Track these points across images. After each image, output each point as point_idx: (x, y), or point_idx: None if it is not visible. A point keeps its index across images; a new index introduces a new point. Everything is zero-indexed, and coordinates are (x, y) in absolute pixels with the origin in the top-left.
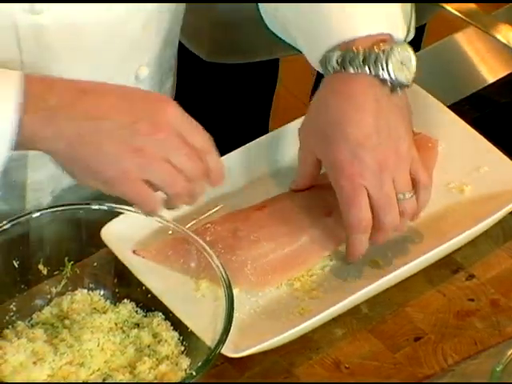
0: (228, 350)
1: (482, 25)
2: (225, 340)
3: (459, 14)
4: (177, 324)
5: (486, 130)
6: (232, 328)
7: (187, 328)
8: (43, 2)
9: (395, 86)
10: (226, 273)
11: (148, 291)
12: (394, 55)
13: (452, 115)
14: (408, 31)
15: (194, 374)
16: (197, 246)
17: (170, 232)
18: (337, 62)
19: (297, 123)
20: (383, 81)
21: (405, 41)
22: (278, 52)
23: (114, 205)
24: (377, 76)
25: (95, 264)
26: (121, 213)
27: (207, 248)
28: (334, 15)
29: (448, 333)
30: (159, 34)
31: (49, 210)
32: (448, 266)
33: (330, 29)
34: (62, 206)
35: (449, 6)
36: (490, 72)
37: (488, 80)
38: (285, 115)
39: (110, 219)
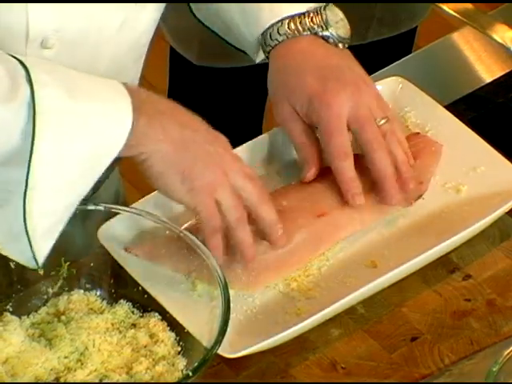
0: (224, 351)
1: (478, 25)
2: (221, 340)
3: (456, 14)
4: (173, 324)
5: (483, 129)
6: (228, 328)
7: (184, 328)
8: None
9: (338, 42)
10: (222, 273)
11: (144, 291)
12: (328, 16)
13: (449, 115)
14: None
15: (191, 374)
16: (192, 246)
17: (167, 232)
18: (278, 33)
19: None
20: (324, 38)
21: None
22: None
23: (110, 205)
24: (320, 36)
25: (92, 264)
26: (117, 213)
27: (204, 248)
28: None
29: (444, 333)
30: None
31: None
32: (444, 266)
33: (271, 7)
34: None
35: (445, 6)
36: (487, 72)
37: (484, 80)
38: None
39: (107, 219)
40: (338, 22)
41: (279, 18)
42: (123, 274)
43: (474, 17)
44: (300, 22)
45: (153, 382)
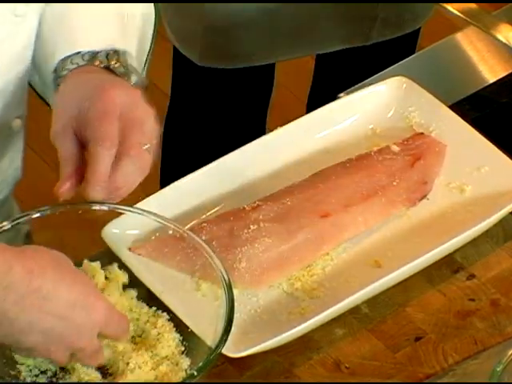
0: (229, 350)
1: (482, 25)
2: (225, 340)
3: (460, 14)
4: (177, 324)
5: (487, 129)
6: (233, 328)
7: (188, 328)
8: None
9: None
10: (226, 273)
11: (149, 291)
12: (129, 62)
13: (453, 115)
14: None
15: (195, 374)
16: (196, 246)
17: (171, 232)
18: (75, 61)
19: (295, 124)
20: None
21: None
22: (272, 57)
23: (114, 205)
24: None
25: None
26: (121, 213)
27: (207, 248)
28: (74, 26)
29: (448, 333)
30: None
31: (49, 210)
32: (448, 265)
33: (67, 39)
34: (62, 205)
35: (449, 6)
36: (491, 72)
37: (488, 80)
38: (282, 112)
39: (111, 219)
40: (133, 72)
41: (72, 52)
42: (128, 273)
43: (478, 17)
44: (95, 56)
45: (157, 381)
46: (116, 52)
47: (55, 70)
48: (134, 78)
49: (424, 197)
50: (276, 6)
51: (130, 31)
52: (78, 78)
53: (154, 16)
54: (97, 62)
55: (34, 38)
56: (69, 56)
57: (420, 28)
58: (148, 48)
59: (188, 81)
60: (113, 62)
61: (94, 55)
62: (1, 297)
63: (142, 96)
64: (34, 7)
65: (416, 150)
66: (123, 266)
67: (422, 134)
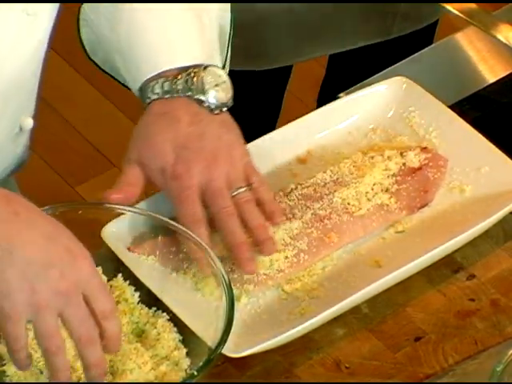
0: (229, 350)
1: (482, 25)
2: (225, 340)
3: (460, 14)
4: (177, 324)
5: (487, 129)
6: (232, 328)
7: (188, 328)
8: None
9: (214, 107)
10: (226, 273)
11: (149, 291)
12: (205, 79)
13: (453, 115)
14: (224, 61)
15: (195, 374)
16: (196, 245)
17: (171, 232)
18: (152, 91)
19: (295, 123)
20: (200, 102)
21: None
22: (295, 57)
23: (114, 205)
24: (194, 99)
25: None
26: (121, 213)
27: (207, 248)
28: (154, 43)
29: (448, 333)
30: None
31: (49, 210)
32: (448, 265)
33: (149, 59)
34: (62, 205)
35: (449, 6)
36: (491, 72)
37: (488, 80)
38: (290, 118)
39: (111, 219)
40: (218, 85)
41: (155, 73)
42: (129, 273)
43: (478, 17)
44: (175, 83)
45: (157, 381)
46: (198, 67)
47: (142, 90)
48: (211, 95)
49: (424, 206)
50: (301, 5)
51: (208, 38)
52: (151, 125)
53: (229, 13)
54: (178, 93)
55: (47, 37)
56: (151, 79)
57: (437, 21)
58: (226, 52)
59: None
60: (190, 87)
61: (173, 80)
62: None
63: (219, 162)
64: (45, 6)
65: (418, 159)
66: (125, 271)
67: (425, 148)
